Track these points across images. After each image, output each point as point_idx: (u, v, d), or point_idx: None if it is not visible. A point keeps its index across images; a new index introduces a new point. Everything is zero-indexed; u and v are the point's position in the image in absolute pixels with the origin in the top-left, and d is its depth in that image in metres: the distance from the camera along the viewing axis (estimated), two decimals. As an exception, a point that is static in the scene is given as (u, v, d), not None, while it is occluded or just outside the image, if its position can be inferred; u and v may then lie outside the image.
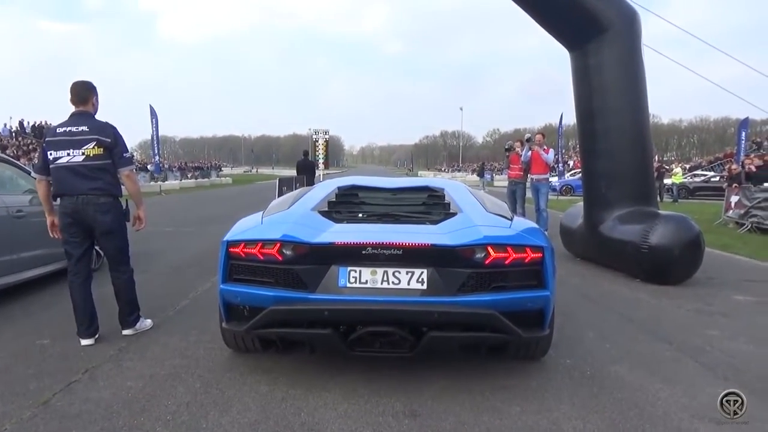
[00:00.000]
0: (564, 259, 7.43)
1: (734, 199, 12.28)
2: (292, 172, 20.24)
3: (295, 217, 3.43)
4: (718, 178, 24.74)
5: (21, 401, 2.98)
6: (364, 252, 2.93)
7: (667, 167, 31.88)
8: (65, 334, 4.05)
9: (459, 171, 67.23)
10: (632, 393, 3.16)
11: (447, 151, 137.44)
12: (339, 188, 4.26)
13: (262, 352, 3.60)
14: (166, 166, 44.37)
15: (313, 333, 3.04)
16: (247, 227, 3.38)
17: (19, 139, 31.45)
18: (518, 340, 3.05)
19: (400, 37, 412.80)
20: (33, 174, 4.46)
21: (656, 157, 28.78)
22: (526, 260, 3.02)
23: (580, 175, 8.17)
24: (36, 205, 5.22)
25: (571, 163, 38.03)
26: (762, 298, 5.58)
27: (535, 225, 3.69)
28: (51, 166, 3.85)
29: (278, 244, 3.04)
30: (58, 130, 3.86)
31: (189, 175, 41.27)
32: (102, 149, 3.83)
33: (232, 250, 3.16)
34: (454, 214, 3.50)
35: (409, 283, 2.96)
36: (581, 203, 7.72)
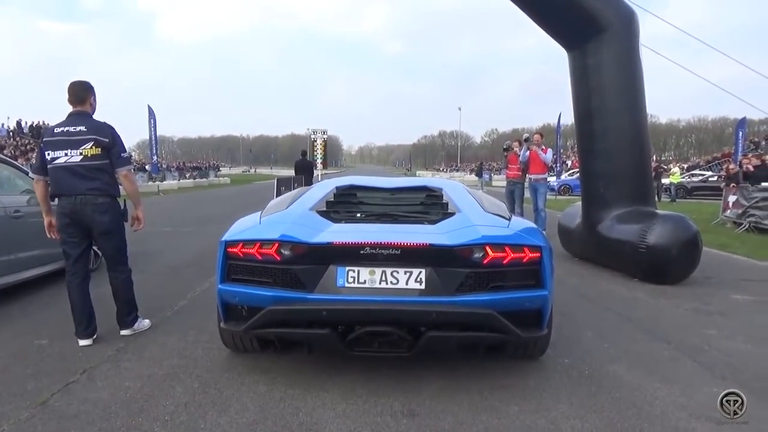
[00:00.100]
0: (562, 259, 7.44)
1: (732, 198, 12.30)
2: (290, 172, 20.23)
3: (293, 217, 3.43)
4: (715, 178, 24.77)
5: (19, 401, 2.98)
6: (362, 252, 2.93)
7: (665, 167, 31.92)
8: (63, 335, 4.05)
9: (457, 171, 67.25)
10: (630, 392, 3.17)
11: (445, 151, 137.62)
12: (337, 188, 4.26)
13: (261, 352, 3.60)
14: (164, 166, 44.38)
15: (311, 333, 3.04)
16: (245, 227, 3.38)
17: (17, 139, 31.40)
18: (516, 339, 3.06)
19: (399, 37, 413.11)
20: (31, 174, 4.45)
21: (654, 157, 28.80)
22: (524, 260, 3.02)
23: (578, 174, 8.18)
24: (34, 206, 5.21)
25: (569, 162, 38.09)
26: (760, 298, 5.60)
27: (533, 225, 3.70)
28: (49, 166, 3.85)
29: (276, 244, 3.04)
30: (55, 130, 3.86)
31: (187, 175, 41.27)
32: (100, 149, 3.83)
33: (230, 250, 3.16)
34: (452, 214, 3.50)
35: (407, 283, 2.96)
36: (579, 203, 7.72)
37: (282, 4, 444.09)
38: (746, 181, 13.00)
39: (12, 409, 2.89)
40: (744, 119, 27.39)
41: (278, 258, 3.04)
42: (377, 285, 2.96)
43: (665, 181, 24.42)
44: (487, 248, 2.97)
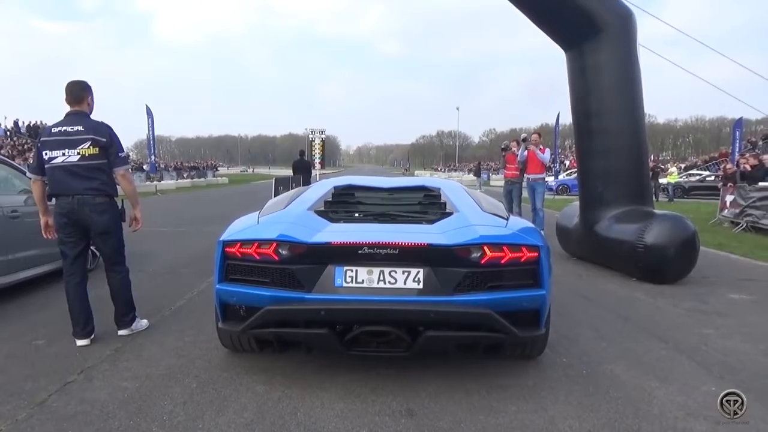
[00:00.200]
0: (560, 259, 7.45)
1: (729, 198, 12.32)
2: (288, 172, 20.20)
3: (291, 216, 3.43)
4: (713, 178, 24.79)
5: (16, 402, 2.97)
6: (360, 252, 2.93)
7: (663, 167, 32.01)
8: (61, 335, 4.04)
9: (455, 171, 67.25)
10: (628, 392, 3.17)
11: (443, 151, 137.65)
12: (335, 188, 4.25)
13: (259, 352, 3.60)
14: (162, 165, 44.31)
15: (309, 333, 3.04)
16: (243, 227, 3.38)
17: (14, 139, 31.32)
18: (514, 339, 3.05)
19: (398, 37, 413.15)
20: (28, 174, 4.44)
21: (651, 157, 28.84)
22: (522, 259, 3.02)
23: (576, 174, 8.19)
24: (31, 206, 5.19)
25: (567, 162, 38.14)
26: (757, 297, 5.61)
27: (531, 224, 3.70)
28: (46, 166, 3.84)
29: (274, 244, 3.04)
30: (53, 130, 3.85)
31: (185, 175, 41.19)
32: (97, 149, 3.82)
33: (228, 249, 3.16)
34: (450, 214, 3.50)
35: (405, 283, 2.96)
36: (577, 203, 7.74)
37: (280, 4, 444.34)
38: (743, 180, 13.01)
39: (10, 409, 2.88)
40: (741, 119, 27.42)
41: (276, 258, 3.04)
42: (375, 285, 2.96)
43: (663, 180, 24.47)
44: (485, 248, 2.97)
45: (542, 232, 3.94)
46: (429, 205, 3.99)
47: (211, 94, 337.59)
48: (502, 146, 11.75)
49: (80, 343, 3.88)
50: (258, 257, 3.07)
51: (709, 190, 21.82)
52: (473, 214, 3.49)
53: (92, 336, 3.96)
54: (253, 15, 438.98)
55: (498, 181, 30.26)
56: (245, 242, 3.12)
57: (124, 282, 4.12)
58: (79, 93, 3.93)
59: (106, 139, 3.85)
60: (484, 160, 64.04)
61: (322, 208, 3.71)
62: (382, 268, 2.97)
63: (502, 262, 2.99)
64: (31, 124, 35.23)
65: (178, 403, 2.97)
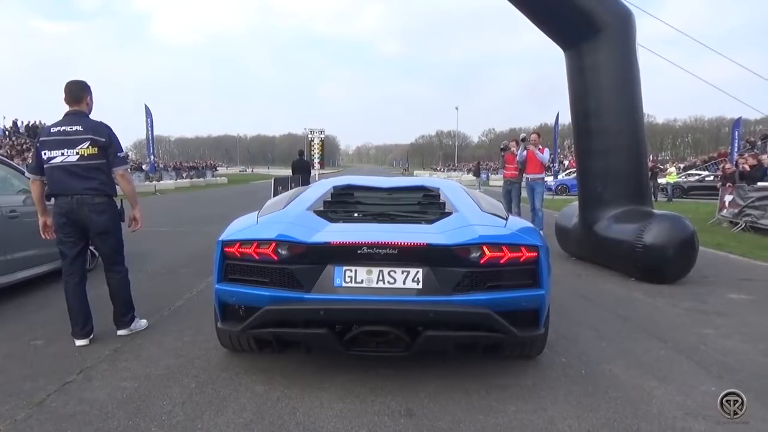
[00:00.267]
0: (559, 259, 7.45)
1: (728, 198, 12.33)
2: (287, 172, 20.20)
3: (290, 216, 3.43)
4: (712, 178, 24.82)
5: (15, 402, 2.97)
6: (359, 251, 2.93)
7: (662, 166, 32.02)
8: (60, 335, 4.04)
9: (454, 171, 67.24)
10: (627, 391, 3.17)
11: (443, 151, 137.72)
12: (334, 188, 4.25)
13: (258, 352, 3.59)
14: (161, 165, 44.28)
15: (308, 333, 3.03)
16: (242, 227, 3.38)
17: (13, 138, 31.28)
18: (513, 339, 3.05)
19: (397, 37, 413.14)
20: (27, 174, 4.43)
21: (650, 157, 28.87)
22: (522, 259, 3.03)
23: (575, 174, 8.19)
24: (30, 206, 5.19)
25: (566, 162, 38.15)
26: (756, 297, 5.61)
27: (530, 224, 3.70)
28: (45, 165, 3.83)
29: (274, 244, 3.04)
30: (52, 130, 3.84)
31: (184, 175, 41.17)
32: (96, 149, 3.81)
33: (227, 249, 3.16)
34: (449, 214, 3.50)
35: (404, 283, 2.96)
36: (576, 203, 7.74)
37: (279, 4, 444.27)
38: (742, 180, 13.03)
39: (8, 409, 2.88)
40: (740, 119, 27.46)
41: (275, 258, 3.03)
42: (374, 285, 2.96)
43: (662, 180, 24.48)
44: (485, 248, 2.97)
45: (541, 232, 3.94)
46: (428, 205, 3.99)
47: (210, 93, 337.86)
48: (501, 146, 11.76)
49: (79, 343, 3.88)
50: (257, 257, 3.07)
51: (708, 190, 21.84)
52: (472, 214, 3.49)
53: (91, 336, 3.95)
54: (252, 15, 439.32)
55: (497, 181, 30.25)
56: (244, 242, 3.11)
57: (123, 282, 4.11)
58: (78, 93, 3.93)
59: (105, 139, 3.84)
60: (483, 160, 64.03)
61: (322, 208, 3.71)
62: (381, 268, 2.97)
63: (502, 262, 3.00)
64: (30, 124, 35.16)
65: (177, 403, 2.97)
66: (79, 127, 3.80)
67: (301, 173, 15.36)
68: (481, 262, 2.97)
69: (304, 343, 3.27)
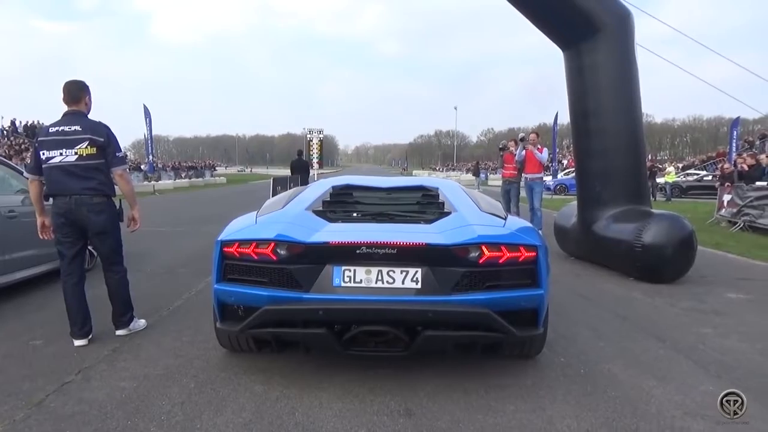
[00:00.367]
0: (558, 258, 7.46)
1: (727, 197, 12.35)
2: (286, 172, 20.19)
3: (289, 216, 3.43)
4: (710, 177, 24.85)
5: (14, 402, 2.96)
6: (358, 251, 2.93)
7: (660, 166, 32.05)
8: (58, 335, 4.03)
9: (453, 170, 67.24)
10: (626, 391, 3.18)
11: (441, 151, 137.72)
12: (333, 188, 4.25)
13: (257, 352, 3.59)
14: (160, 165, 44.23)
15: (307, 332, 3.03)
16: (241, 227, 3.38)
17: (11, 138, 31.23)
18: (512, 338, 3.06)
19: (396, 37, 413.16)
20: (25, 174, 4.43)
21: (648, 156, 28.86)
22: (520, 259, 3.03)
23: (574, 174, 8.19)
24: (28, 206, 5.18)
25: (564, 162, 38.17)
26: (754, 296, 5.62)
27: (529, 224, 3.70)
28: (44, 165, 3.83)
29: (272, 244, 3.04)
30: (50, 130, 3.84)
31: (183, 175, 41.16)
32: (95, 149, 3.81)
33: (226, 249, 3.16)
34: (448, 214, 3.51)
35: (403, 283, 2.96)
36: (575, 202, 7.75)
37: (279, 4, 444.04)
38: (741, 180, 13.05)
39: (7, 409, 2.88)
40: (738, 119, 27.52)
41: (274, 258, 3.03)
42: (373, 284, 2.96)
43: (661, 180, 24.51)
44: (483, 248, 2.97)
45: (540, 232, 3.95)
46: (427, 204, 3.99)
47: (209, 93, 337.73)
48: (500, 146, 11.76)
49: (78, 343, 3.87)
50: (256, 257, 3.07)
51: (707, 189, 21.87)
52: (471, 214, 3.49)
53: (90, 336, 3.95)
54: (251, 14, 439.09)
55: (496, 180, 30.27)
56: (243, 242, 3.11)
57: (122, 282, 4.11)
58: (76, 93, 3.92)
59: (104, 139, 3.84)
60: (482, 160, 64.09)
61: (320, 208, 3.71)
62: (380, 268, 2.97)
63: (500, 261, 3.00)
64: (29, 124, 35.10)
65: (176, 403, 2.96)
66: (77, 127, 3.80)
67: (300, 173, 15.36)
68: (480, 261, 2.97)
69: (303, 342, 3.27)
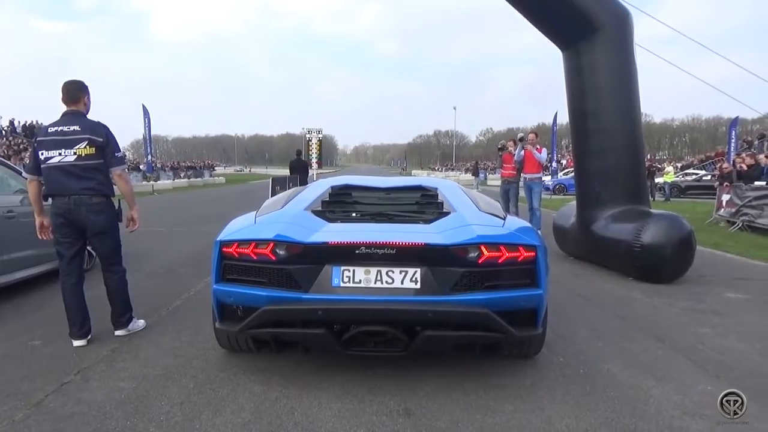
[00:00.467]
0: (557, 258, 7.46)
1: (725, 197, 12.36)
2: (285, 172, 20.18)
3: (288, 216, 3.43)
4: (709, 177, 24.87)
5: (13, 402, 2.96)
6: (357, 251, 2.93)
7: (659, 166, 32.05)
8: (57, 335, 4.03)
9: (452, 170, 67.23)
10: (625, 391, 3.18)
11: (440, 151, 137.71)
12: (332, 188, 4.25)
13: (256, 352, 3.59)
14: (159, 165, 44.18)
15: (307, 333, 3.04)
16: (240, 227, 3.38)
17: (10, 138, 31.19)
18: (511, 338, 3.06)
19: (395, 37, 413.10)
20: (24, 174, 4.43)
21: (647, 156, 28.86)
22: (519, 259, 3.03)
23: (573, 174, 8.21)
24: (27, 206, 5.17)
25: (563, 162, 38.18)
26: (753, 296, 5.63)
27: (528, 224, 3.71)
28: (42, 166, 3.83)
29: (271, 244, 3.04)
30: (49, 130, 3.84)
31: (182, 175, 41.17)
32: (94, 149, 3.81)
33: (225, 250, 3.16)
34: (447, 214, 3.51)
35: (402, 283, 2.96)
36: (574, 202, 7.75)
37: (277, 3, 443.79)
38: (739, 180, 13.06)
39: (6, 410, 2.88)
40: (737, 119, 27.56)
41: (273, 258, 3.04)
42: (372, 284, 2.96)
43: (660, 180, 24.52)
44: (483, 248, 2.98)
45: (539, 232, 3.95)
46: (426, 204, 3.99)
47: (208, 93, 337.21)
48: (499, 146, 11.76)
49: (77, 343, 3.87)
50: (255, 257, 3.07)
51: (706, 189, 21.89)
52: (470, 214, 3.50)
53: (89, 336, 3.94)
54: (250, 14, 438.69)
55: (495, 180, 30.28)
56: (242, 242, 3.11)
57: (121, 282, 4.11)
58: (75, 93, 3.92)
59: (103, 139, 3.84)
60: (481, 160, 64.08)
61: (320, 208, 3.71)
62: (379, 268, 2.97)
63: (500, 261, 3.00)
64: (27, 124, 35.06)
65: (175, 404, 2.96)
66: (76, 127, 3.80)
67: (299, 173, 15.37)
68: (479, 261, 2.97)
69: (303, 343, 3.27)
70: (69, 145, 3.77)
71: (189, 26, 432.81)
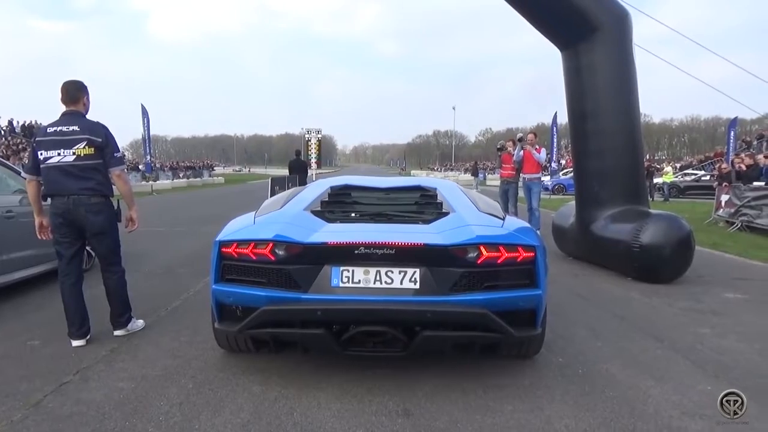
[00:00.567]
0: (556, 258, 7.46)
1: (724, 198, 12.37)
2: (284, 172, 20.18)
3: (287, 217, 3.43)
4: (708, 178, 24.90)
5: (12, 402, 2.96)
6: (356, 252, 2.93)
7: (658, 166, 32.09)
8: (56, 335, 4.03)
9: (452, 170, 67.24)
10: (624, 391, 3.18)
11: (440, 151, 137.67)
12: (332, 188, 4.25)
13: (255, 353, 3.59)
14: (158, 165, 44.15)
15: (306, 333, 3.04)
16: (239, 227, 3.37)
17: (9, 138, 31.17)
18: (511, 339, 3.06)
19: (394, 37, 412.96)
20: (23, 174, 4.42)
21: (646, 156, 28.86)
22: (519, 259, 3.03)
23: (572, 174, 8.22)
24: (26, 206, 5.18)
25: (563, 162, 38.17)
26: (752, 296, 5.64)
27: (527, 224, 3.71)
28: (41, 166, 3.83)
29: (271, 244, 3.04)
30: (48, 130, 3.84)
31: (181, 175, 41.18)
32: (93, 149, 3.81)
33: (224, 250, 3.16)
34: (446, 214, 3.51)
35: (401, 283, 2.96)
36: (573, 202, 7.76)
37: (276, 3, 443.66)
38: (738, 180, 13.07)
39: (5, 410, 2.87)
40: (736, 119, 27.59)
41: (273, 258, 3.04)
42: (372, 285, 2.96)
43: (659, 180, 24.55)
44: (482, 248, 2.98)
45: (538, 232, 3.96)
46: (425, 205, 3.99)
47: (207, 93, 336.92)
48: (498, 146, 11.75)
49: (76, 343, 3.87)
50: (254, 257, 3.07)
51: (705, 189, 21.89)
52: (469, 214, 3.50)
53: (88, 336, 3.94)
54: (249, 14, 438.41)
55: (494, 180, 30.28)
56: (242, 242, 3.11)
57: (120, 282, 4.11)
58: (74, 93, 3.92)
59: (102, 139, 3.84)
60: (480, 160, 64.09)
61: (319, 208, 3.71)
62: (378, 268, 2.97)
63: (499, 262, 3.00)
64: (26, 124, 35.03)
65: (174, 404, 2.96)
66: (75, 127, 3.79)
67: (299, 173, 15.37)
68: (479, 262, 2.97)
69: (302, 343, 3.27)
70: (68, 145, 3.77)
71: (188, 26, 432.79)
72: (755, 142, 32.16)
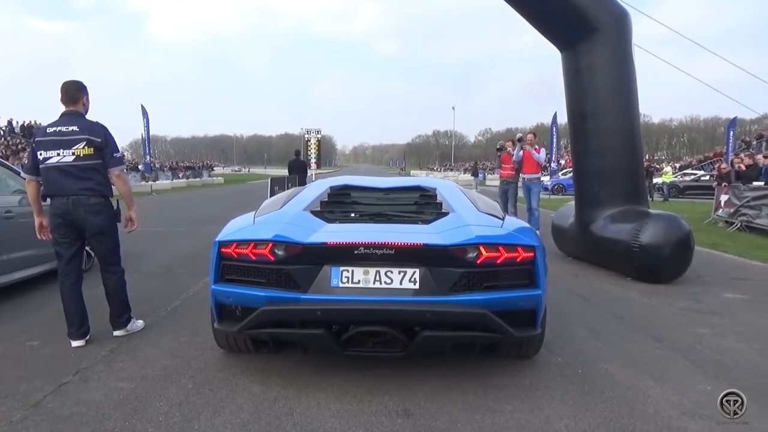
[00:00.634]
0: (555, 258, 7.47)
1: (724, 198, 12.38)
2: (284, 172, 20.18)
3: (287, 217, 3.43)
4: (707, 177, 24.92)
5: (11, 403, 2.96)
6: (356, 252, 2.93)
7: (657, 166, 32.10)
8: (56, 336, 4.03)
9: (451, 170, 67.26)
10: (623, 391, 3.18)
11: (439, 151, 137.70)
12: (331, 188, 4.25)
13: (255, 353, 3.59)
14: (157, 165, 44.15)
15: (305, 333, 3.04)
16: (239, 227, 3.37)
17: (8, 138, 31.17)
18: (510, 339, 3.06)
19: (394, 37, 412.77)
20: (22, 174, 4.42)
21: (645, 156, 28.88)
22: (518, 259, 3.03)
23: (572, 174, 8.22)
24: (25, 206, 5.17)
25: (562, 162, 38.19)
26: (751, 296, 5.64)
27: (526, 224, 3.71)
28: (41, 166, 3.82)
29: (270, 245, 3.04)
30: (48, 130, 3.83)
31: (180, 175, 41.19)
32: (92, 149, 3.81)
33: (224, 250, 3.16)
34: (446, 214, 3.51)
35: (401, 283, 2.96)
36: (572, 202, 7.76)
37: (276, 3, 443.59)
38: (738, 180, 13.08)
39: (4, 410, 2.87)
40: (735, 119, 27.60)
41: (272, 258, 3.03)
42: (371, 285, 2.96)
43: (658, 180, 24.56)
44: (481, 248, 2.98)
45: (538, 232, 3.96)
46: (425, 205, 3.99)
47: (207, 93, 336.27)
48: (498, 146, 11.76)
49: (75, 344, 3.87)
50: (254, 257, 3.07)
51: (704, 189, 21.91)
52: (469, 214, 3.50)
53: (87, 337, 3.94)
54: (249, 14, 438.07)
55: (494, 180, 30.31)
56: (241, 242, 3.11)
57: (120, 282, 4.11)
58: (74, 93, 3.92)
59: (101, 140, 3.84)
60: (480, 160, 64.12)
61: (318, 209, 3.71)
62: (378, 269, 2.97)
63: (498, 262, 3.00)
64: (26, 124, 35.04)
65: (173, 404, 2.96)
66: (75, 128, 3.79)
67: (298, 173, 15.38)
68: (478, 262, 2.97)
69: (301, 343, 3.27)
70: (67, 145, 3.77)
71: (188, 26, 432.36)
72: (754, 142, 32.20)
